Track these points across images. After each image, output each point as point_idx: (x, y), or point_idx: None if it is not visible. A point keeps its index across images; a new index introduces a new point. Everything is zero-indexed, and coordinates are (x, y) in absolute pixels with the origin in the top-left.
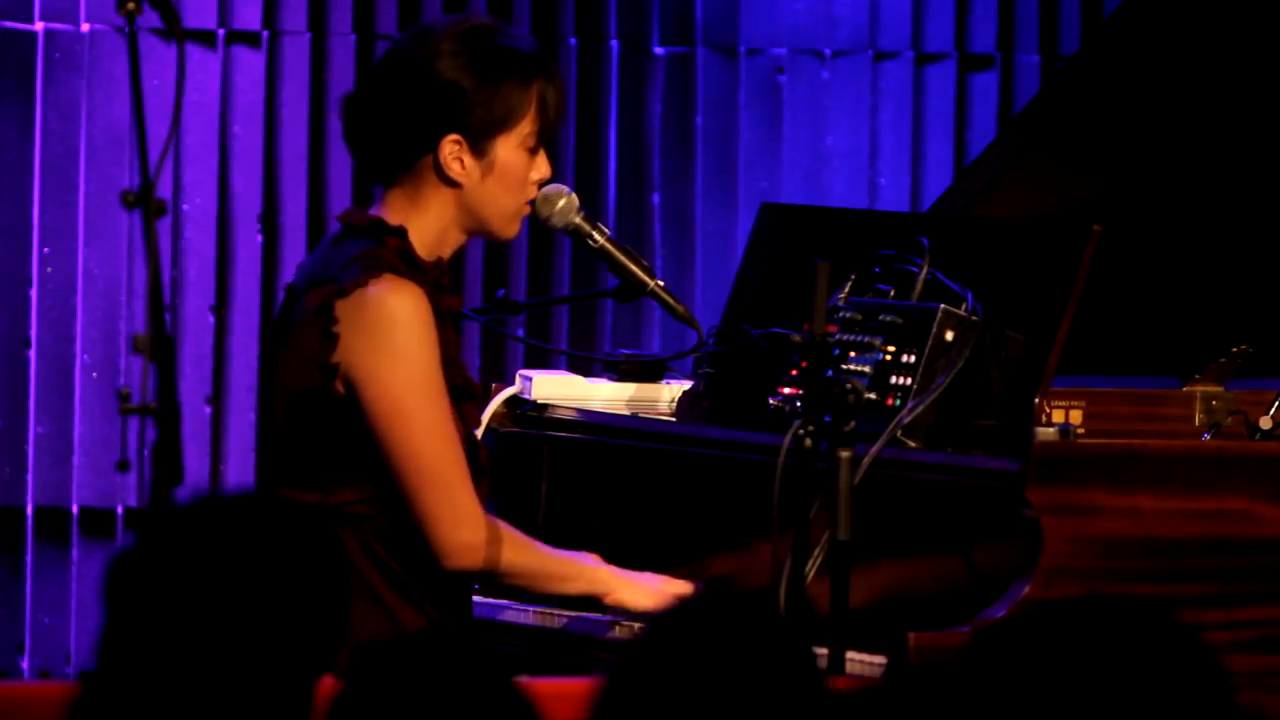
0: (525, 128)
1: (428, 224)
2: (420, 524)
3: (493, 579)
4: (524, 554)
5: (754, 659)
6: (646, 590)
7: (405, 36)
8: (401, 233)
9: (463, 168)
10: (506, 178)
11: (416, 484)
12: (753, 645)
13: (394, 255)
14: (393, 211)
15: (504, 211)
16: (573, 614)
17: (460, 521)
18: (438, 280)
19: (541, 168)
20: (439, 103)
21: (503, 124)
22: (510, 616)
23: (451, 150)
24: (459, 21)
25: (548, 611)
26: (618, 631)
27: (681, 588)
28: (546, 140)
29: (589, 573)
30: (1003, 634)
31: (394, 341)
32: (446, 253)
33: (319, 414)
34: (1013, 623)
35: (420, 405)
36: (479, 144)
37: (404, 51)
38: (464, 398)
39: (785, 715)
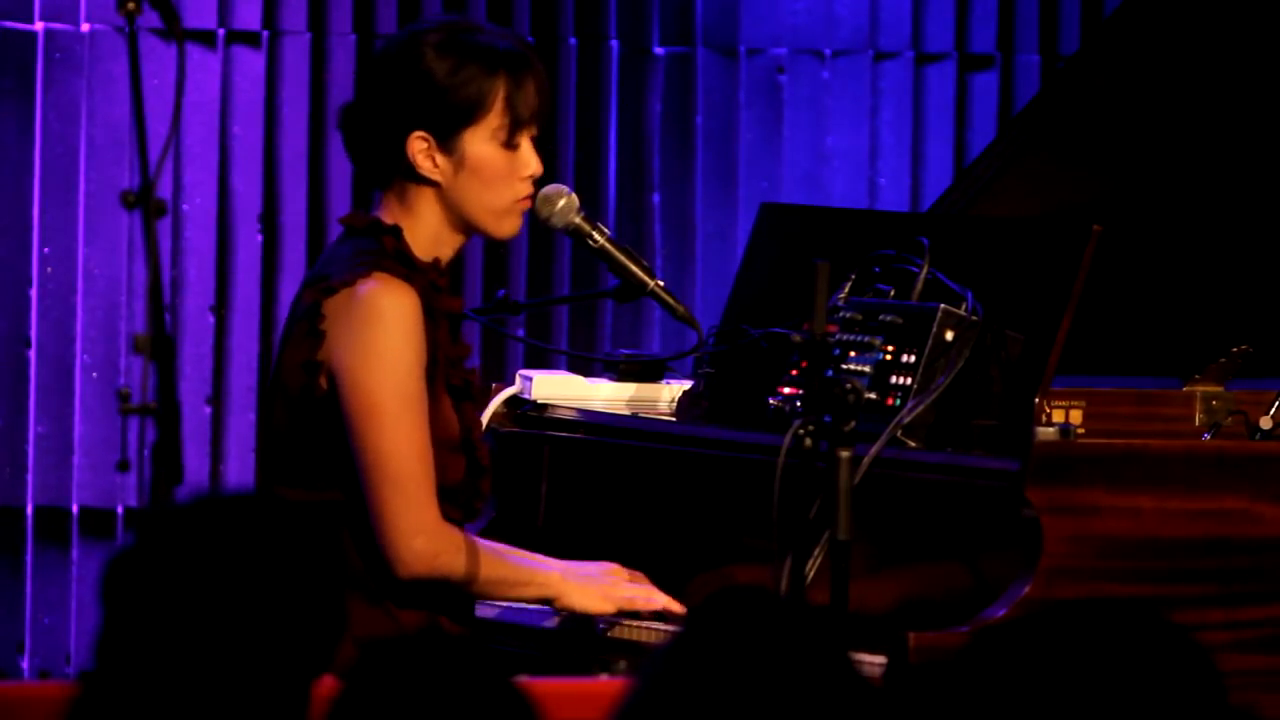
0: (493, 121)
1: (421, 225)
2: (376, 527)
3: (448, 589)
4: (480, 563)
5: (792, 663)
6: (595, 595)
7: (391, 37)
8: (397, 232)
9: (434, 165)
10: (481, 173)
11: (378, 486)
12: (790, 649)
13: (389, 254)
14: (388, 213)
15: (490, 208)
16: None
17: (417, 529)
18: (434, 281)
19: (530, 164)
20: (404, 96)
21: (467, 117)
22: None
23: (419, 147)
24: (441, 22)
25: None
26: (621, 632)
27: (632, 590)
28: (525, 133)
29: (540, 577)
30: (1000, 636)
31: (376, 340)
32: (446, 253)
33: (307, 412)
34: (1010, 624)
35: (392, 407)
36: (445, 139)
37: (382, 52)
38: (463, 397)
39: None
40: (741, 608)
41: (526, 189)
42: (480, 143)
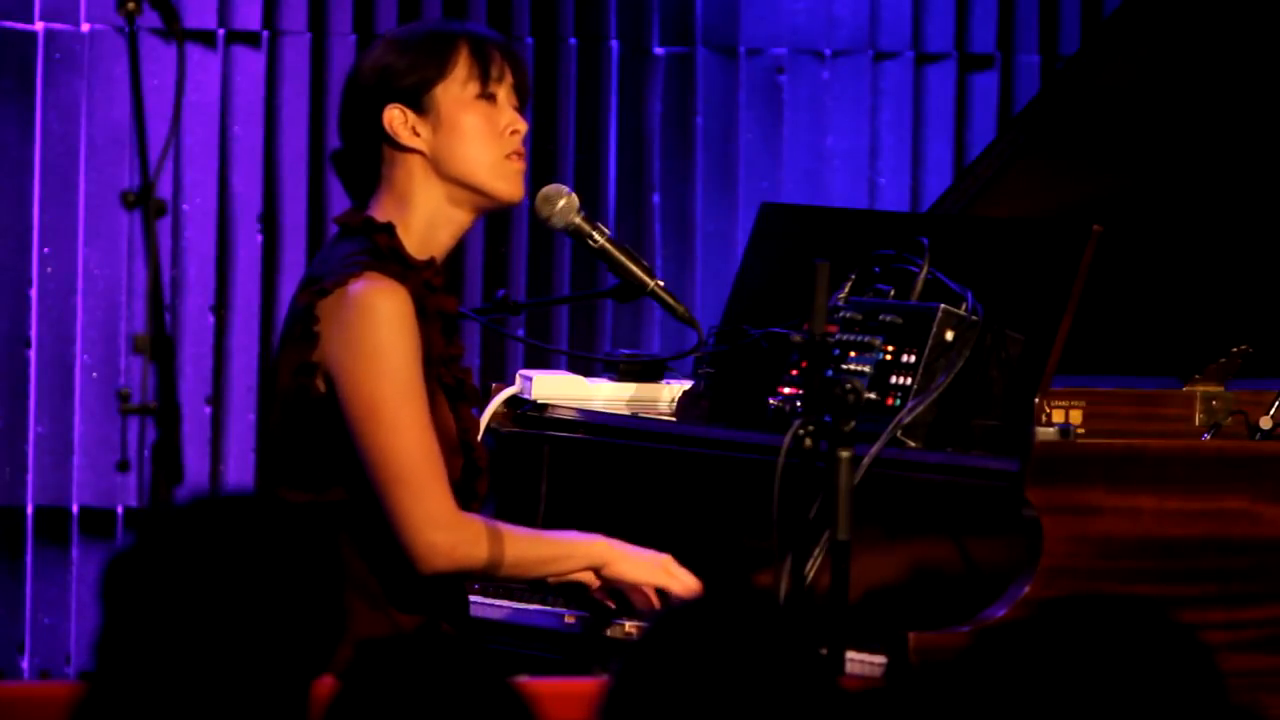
0: (460, 74)
1: (418, 215)
2: (392, 525)
3: (478, 576)
4: (510, 546)
5: (761, 658)
6: (646, 563)
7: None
8: (390, 229)
9: (415, 134)
10: (460, 127)
11: (387, 484)
12: (759, 644)
13: (382, 253)
14: (382, 210)
15: (480, 164)
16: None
17: (432, 523)
18: (429, 280)
19: (515, 120)
20: (371, 85)
21: (433, 77)
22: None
23: (396, 118)
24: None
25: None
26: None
27: (680, 571)
28: (498, 88)
29: (583, 547)
30: (1004, 635)
31: (370, 339)
32: (446, 242)
33: (304, 413)
34: (1015, 624)
35: (393, 404)
36: (418, 102)
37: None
38: (458, 397)
39: (794, 715)
40: (708, 603)
41: (515, 144)
42: (453, 97)
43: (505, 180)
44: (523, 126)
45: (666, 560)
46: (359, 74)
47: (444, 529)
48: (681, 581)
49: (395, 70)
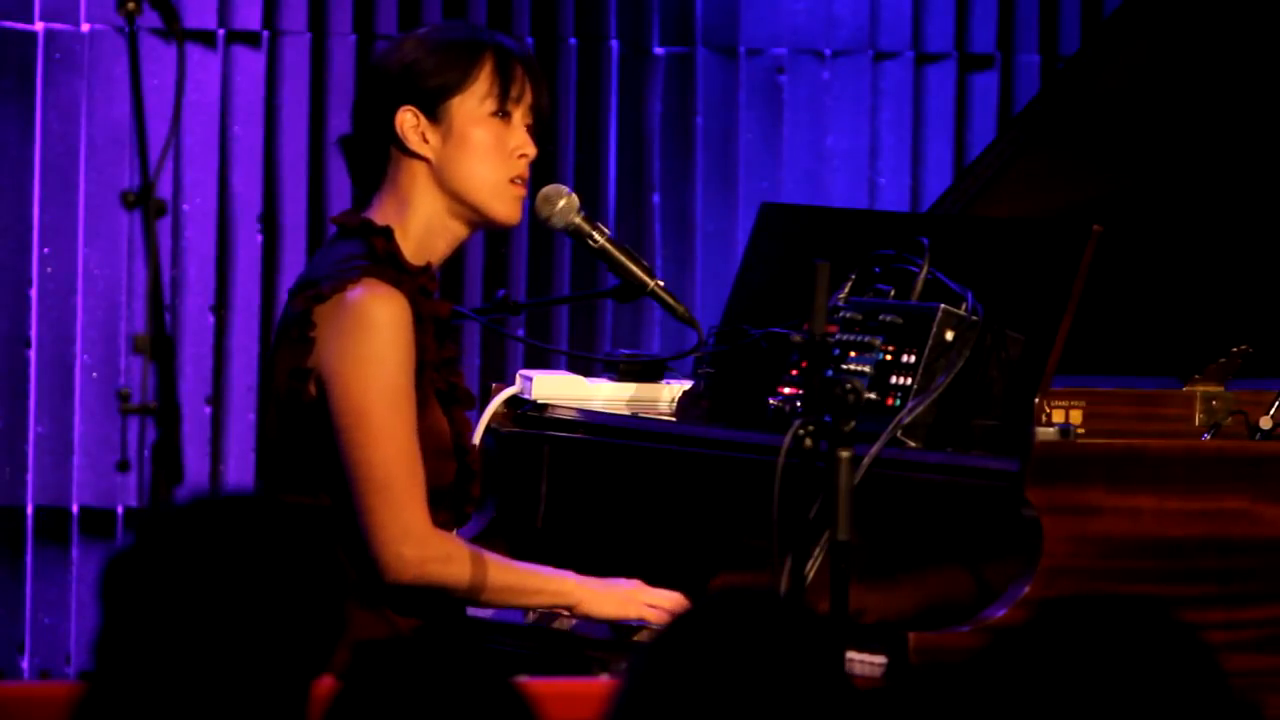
0: (480, 88)
1: (416, 220)
2: (363, 532)
3: (442, 594)
4: (477, 570)
5: (776, 658)
6: (616, 599)
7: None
8: (388, 233)
9: (424, 140)
10: (469, 141)
11: (365, 491)
12: (774, 645)
13: (379, 257)
14: (381, 213)
15: (483, 182)
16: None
17: (403, 536)
18: (424, 285)
19: (524, 142)
20: (391, 81)
21: (453, 86)
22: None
23: (408, 121)
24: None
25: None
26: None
27: (654, 595)
28: (515, 108)
29: (553, 584)
30: (1005, 634)
31: (364, 346)
32: (442, 250)
33: (296, 417)
34: (1016, 623)
35: (380, 411)
36: (433, 110)
37: (374, 59)
38: (451, 402)
39: (809, 715)
40: (724, 605)
41: (520, 168)
42: (468, 111)
43: (504, 203)
44: (532, 151)
45: (635, 590)
46: (383, 67)
47: (415, 543)
48: (657, 608)
49: (419, 71)
